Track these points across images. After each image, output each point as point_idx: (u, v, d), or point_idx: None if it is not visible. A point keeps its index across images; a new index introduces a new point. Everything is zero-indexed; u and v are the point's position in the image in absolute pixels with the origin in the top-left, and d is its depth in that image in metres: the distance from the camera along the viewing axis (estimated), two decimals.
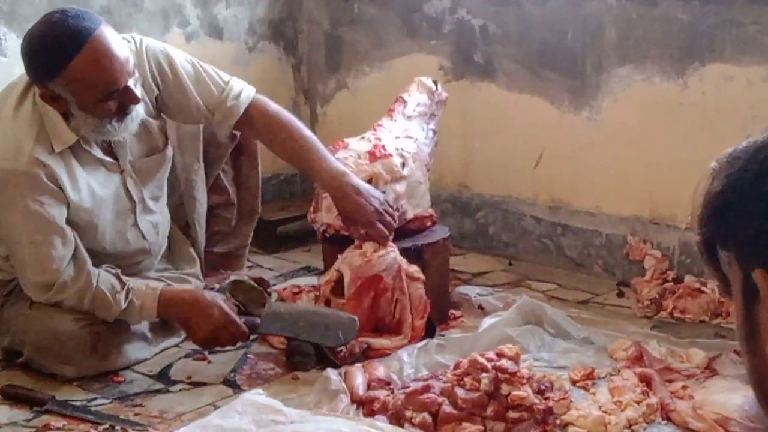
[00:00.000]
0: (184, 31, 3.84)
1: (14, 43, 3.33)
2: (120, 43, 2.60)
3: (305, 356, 2.76)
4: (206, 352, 2.84)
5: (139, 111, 2.69)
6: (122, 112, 2.63)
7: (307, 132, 2.92)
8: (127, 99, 2.61)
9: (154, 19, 3.74)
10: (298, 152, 2.89)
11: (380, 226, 2.81)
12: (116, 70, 2.56)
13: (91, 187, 2.72)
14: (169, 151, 2.96)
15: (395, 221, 2.85)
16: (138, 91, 2.63)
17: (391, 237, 2.84)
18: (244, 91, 2.90)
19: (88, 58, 2.52)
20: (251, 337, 2.80)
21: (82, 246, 2.70)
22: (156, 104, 2.87)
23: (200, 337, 2.72)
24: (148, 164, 2.89)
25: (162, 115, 2.91)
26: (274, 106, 2.94)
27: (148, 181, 2.90)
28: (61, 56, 2.52)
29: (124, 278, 2.73)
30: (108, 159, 2.77)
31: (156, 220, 2.94)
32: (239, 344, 2.80)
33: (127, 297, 2.70)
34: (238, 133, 3.12)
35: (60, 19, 2.55)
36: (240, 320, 2.71)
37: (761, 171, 1.01)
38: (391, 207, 2.88)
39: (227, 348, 2.79)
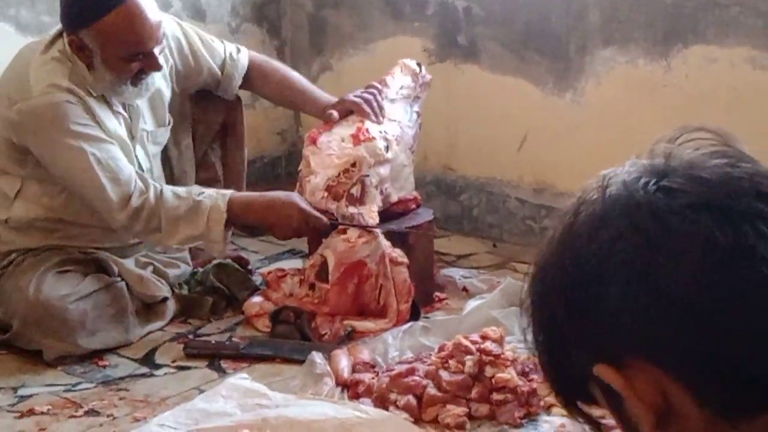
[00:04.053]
0: (167, 14, 3.81)
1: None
2: (155, 10, 2.73)
3: (289, 325, 2.77)
4: (190, 336, 2.85)
5: (155, 79, 2.80)
6: (139, 77, 2.72)
7: (295, 73, 3.21)
8: (149, 64, 2.71)
9: None
10: (291, 92, 3.13)
11: (368, 108, 2.93)
12: (146, 33, 2.67)
13: (120, 134, 2.79)
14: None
15: (380, 99, 2.98)
16: (161, 61, 2.73)
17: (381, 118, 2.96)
18: (240, 47, 3.13)
19: (123, 15, 2.63)
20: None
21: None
22: (171, 75, 2.96)
23: (282, 236, 2.89)
24: (157, 136, 2.96)
25: (174, 87, 3.00)
26: (262, 56, 3.22)
27: (156, 155, 2.98)
28: (99, 8, 2.63)
29: (188, 188, 2.84)
30: (127, 117, 2.83)
31: None
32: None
33: (196, 199, 2.74)
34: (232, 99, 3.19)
35: None
36: (316, 212, 2.82)
37: (600, 251, 0.81)
38: (377, 88, 3.01)
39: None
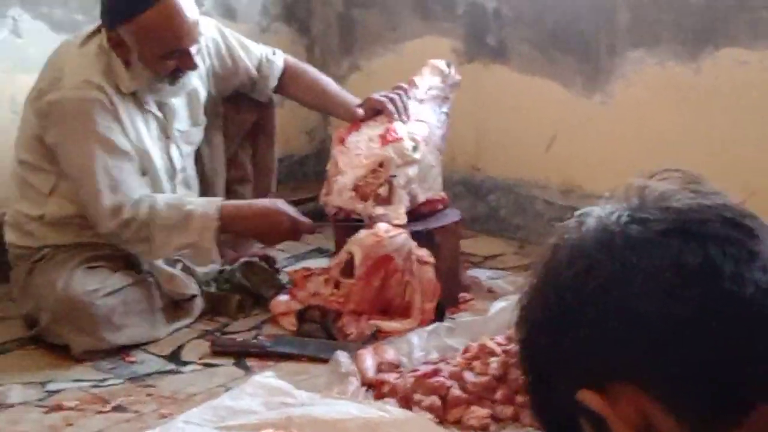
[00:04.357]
0: (198, 12, 3.83)
1: (29, 25, 3.35)
2: (193, 9, 2.76)
3: (315, 324, 2.79)
4: (217, 333, 2.87)
5: (191, 78, 2.84)
6: (176, 75, 2.76)
7: (325, 76, 3.25)
8: (185, 63, 2.75)
9: None
10: (321, 96, 3.18)
11: (391, 107, 2.96)
12: (184, 31, 2.70)
13: (145, 135, 2.81)
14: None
15: (406, 99, 3.01)
16: (197, 59, 2.76)
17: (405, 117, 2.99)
18: (275, 50, 3.17)
19: (162, 13, 2.67)
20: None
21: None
22: (208, 76, 3.00)
23: (272, 242, 3.02)
24: (191, 136, 2.99)
25: (211, 88, 3.03)
26: (294, 59, 3.26)
27: (189, 155, 3.01)
28: (139, 4, 2.67)
29: (179, 196, 2.87)
30: (161, 116, 2.87)
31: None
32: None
33: (187, 209, 2.77)
34: (266, 100, 3.23)
35: None
36: (302, 217, 2.90)
37: (575, 283, 0.85)
38: (403, 89, 3.04)
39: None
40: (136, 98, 2.80)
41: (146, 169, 2.83)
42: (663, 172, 0.90)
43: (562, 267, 0.86)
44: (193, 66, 2.77)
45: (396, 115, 2.95)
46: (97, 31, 2.79)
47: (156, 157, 2.86)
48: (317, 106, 3.32)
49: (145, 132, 2.83)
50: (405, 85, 3.04)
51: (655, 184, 0.88)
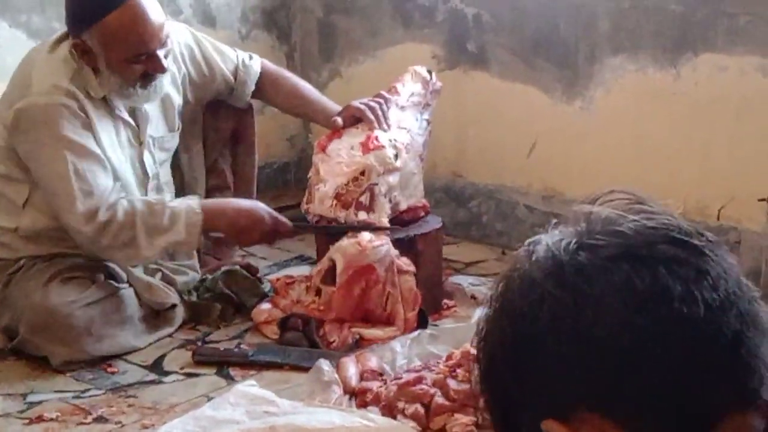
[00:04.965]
0: (177, 20, 3.81)
1: (6, 32, 3.33)
2: (157, 11, 2.72)
3: (297, 332, 2.78)
4: (199, 342, 2.86)
5: (163, 83, 2.80)
6: (147, 80, 2.72)
7: (305, 82, 3.23)
8: (153, 66, 2.70)
9: None
10: (301, 102, 3.15)
11: (371, 116, 2.94)
12: (149, 34, 2.66)
13: (115, 143, 2.79)
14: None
15: (386, 108, 2.99)
16: (165, 63, 2.72)
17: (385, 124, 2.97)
18: (252, 55, 3.13)
19: (125, 16, 2.64)
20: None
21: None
22: (183, 83, 2.97)
23: (250, 241, 2.98)
24: (165, 142, 2.97)
25: (187, 95, 3.00)
26: (272, 65, 3.22)
27: (164, 161, 2.98)
28: (101, 8, 2.64)
29: (156, 197, 2.84)
30: (132, 123, 2.84)
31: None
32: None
33: (170, 208, 2.75)
34: (245, 106, 3.21)
35: None
36: (282, 218, 2.90)
37: (535, 314, 0.85)
38: (384, 97, 3.01)
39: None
40: (106, 104, 2.77)
41: (116, 177, 2.79)
42: (609, 193, 0.90)
43: (515, 298, 0.87)
44: (162, 69, 2.72)
45: (375, 124, 2.94)
46: (66, 36, 2.76)
47: (126, 165, 2.83)
48: (295, 111, 3.30)
49: (115, 139, 2.80)
50: (386, 94, 3.04)
51: (601, 208, 0.88)
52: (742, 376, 0.82)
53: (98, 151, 2.72)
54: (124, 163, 2.82)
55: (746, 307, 0.84)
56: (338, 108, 3.07)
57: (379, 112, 2.96)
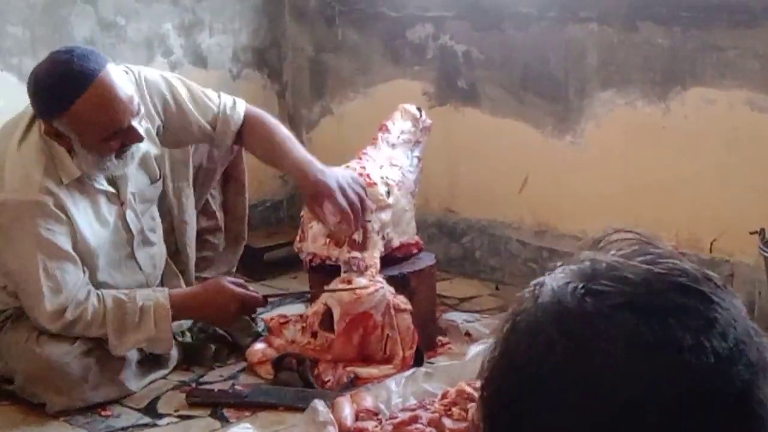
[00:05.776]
0: (168, 60, 3.84)
1: None
2: (125, 84, 2.64)
3: (292, 372, 2.77)
4: (193, 384, 2.85)
5: (140, 146, 2.73)
6: (123, 149, 2.66)
7: (283, 129, 3.00)
8: (129, 138, 2.65)
9: (138, 49, 3.74)
10: (270, 148, 2.96)
11: (341, 199, 2.80)
12: (120, 111, 2.59)
13: (93, 219, 2.76)
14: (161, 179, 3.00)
15: (363, 199, 2.86)
16: (141, 129, 2.66)
17: (356, 225, 2.84)
18: (237, 101, 2.99)
19: (92, 101, 2.56)
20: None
21: None
22: (158, 134, 2.90)
23: (223, 323, 2.96)
24: (147, 194, 2.92)
25: (164, 143, 2.94)
26: (257, 111, 3.02)
27: (146, 211, 2.93)
28: (66, 97, 2.56)
29: (126, 291, 2.77)
30: (111, 190, 2.80)
31: (154, 252, 2.97)
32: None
33: (139, 305, 2.71)
34: (232, 152, 3.14)
35: (66, 60, 2.59)
36: (251, 291, 2.88)
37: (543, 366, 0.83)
38: (363, 188, 2.88)
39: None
40: (80, 184, 2.71)
41: (99, 248, 2.76)
42: (615, 233, 0.88)
43: (521, 346, 0.85)
44: (139, 138, 2.66)
45: (353, 224, 2.84)
46: (35, 118, 2.69)
47: (108, 233, 2.79)
48: (268, 162, 3.10)
49: (93, 216, 2.75)
50: (365, 186, 2.91)
51: (606, 252, 0.86)
52: (751, 427, 0.81)
53: (69, 248, 2.67)
54: (109, 229, 2.79)
55: (756, 356, 0.82)
56: (311, 160, 2.90)
57: (358, 207, 2.84)
